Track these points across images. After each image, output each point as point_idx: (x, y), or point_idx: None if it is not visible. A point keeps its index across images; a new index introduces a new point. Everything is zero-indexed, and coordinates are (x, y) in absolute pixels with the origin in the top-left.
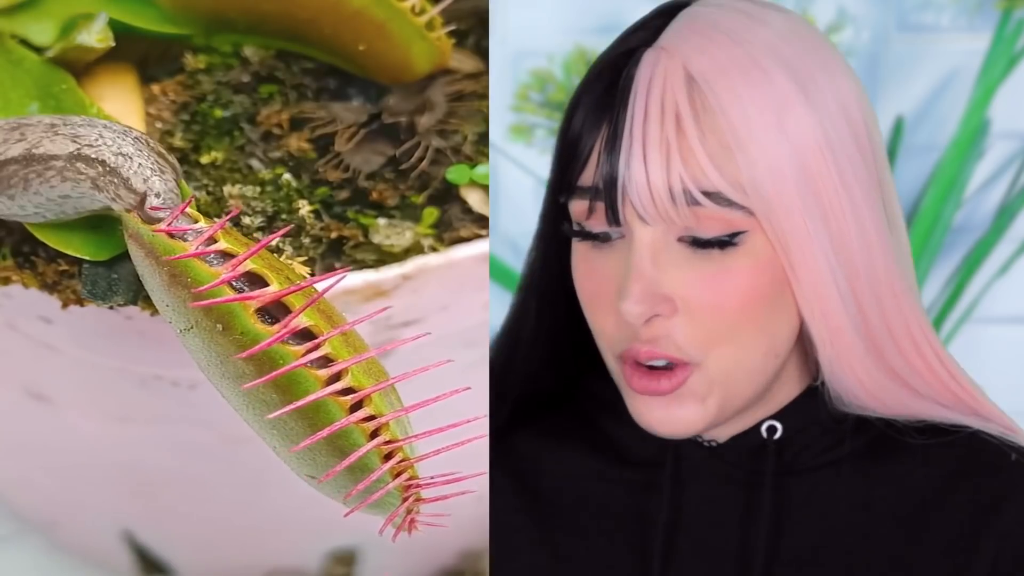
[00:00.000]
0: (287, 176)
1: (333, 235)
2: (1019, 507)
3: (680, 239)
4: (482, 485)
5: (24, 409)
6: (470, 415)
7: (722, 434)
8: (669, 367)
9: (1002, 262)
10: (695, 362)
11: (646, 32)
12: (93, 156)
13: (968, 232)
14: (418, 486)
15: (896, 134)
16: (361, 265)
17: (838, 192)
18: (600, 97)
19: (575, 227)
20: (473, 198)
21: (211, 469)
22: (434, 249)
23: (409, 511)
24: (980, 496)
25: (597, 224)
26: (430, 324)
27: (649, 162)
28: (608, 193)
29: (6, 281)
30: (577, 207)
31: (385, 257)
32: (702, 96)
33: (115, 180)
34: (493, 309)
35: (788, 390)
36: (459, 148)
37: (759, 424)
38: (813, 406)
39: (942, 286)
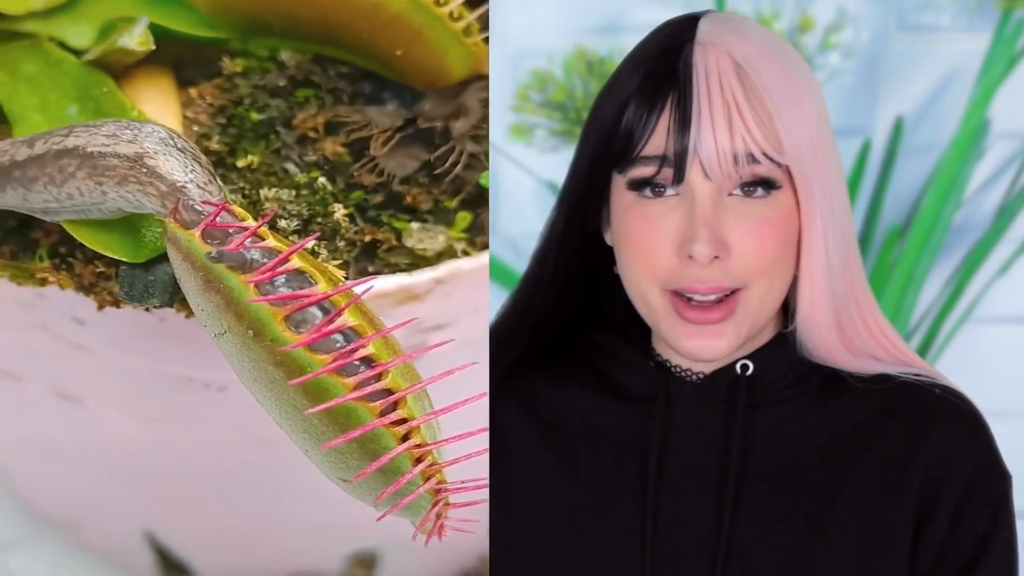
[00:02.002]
0: (322, 180)
1: (367, 239)
2: (941, 431)
3: (730, 194)
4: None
5: (52, 409)
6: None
7: (707, 368)
8: (719, 300)
9: (1002, 262)
10: (744, 287)
11: (681, 32)
12: (133, 156)
13: (968, 232)
14: (447, 490)
15: (896, 134)
16: (394, 269)
17: (836, 164)
18: (661, 82)
19: (639, 183)
20: None
21: (235, 471)
22: (466, 253)
23: (439, 515)
24: (911, 424)
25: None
26: (462, 327)
27: (717, 131)
28: (679, 158)
29: (43, 282)
30: (639, 172)
31: (418, 261)
32: (747, 78)
33: (154, 182)
34: (493, 309)
35: (763, 335)
36: None
37: (735, 362)
38: (781, 350)
39: (942, 286)
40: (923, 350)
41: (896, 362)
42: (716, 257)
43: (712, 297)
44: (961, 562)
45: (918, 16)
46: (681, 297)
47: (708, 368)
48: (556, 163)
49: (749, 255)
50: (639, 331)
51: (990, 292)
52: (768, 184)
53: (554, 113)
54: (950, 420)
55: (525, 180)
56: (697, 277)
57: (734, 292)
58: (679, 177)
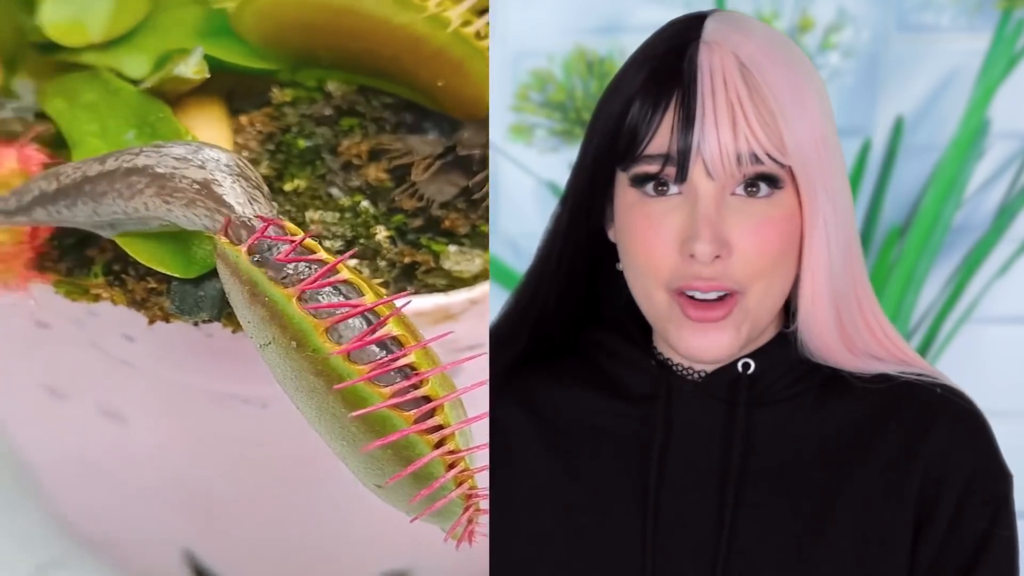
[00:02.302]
0: (365, 203)
1: (406, 260)
2: (941, 430)
3: (733, 193)
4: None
5: (96, 427)
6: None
7: (709, 367)
8: (720, 298)
9: (1002, 262)
10: (742, 291)
11: (688, 31)
12: (202, 181)
13: (968, 232)
14: (478, 495)
15: (896, 134)
16: (432, 289)
17: (839, 164)
18: (666, 80)
19: (643, 175)
20: None
21: (272, 489)
22: None
23: (470, 520)
24: (912, 424)
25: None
26: None
27: (721, 131)
28: (682, 157)
29: (96, 298)
30: (642, 170)
31: (455, 282)
32: (751, 77)
33: (209, 201)
34: (493, 309)
35: (763, 335)
36: None
37: (736, 361)
38: (782, 350)
39: (942, 286)
40: (923, 350)
41: (897, 362)
42: (718, 256)
43: (713, 295)
44: (961, 561)
45: (918, 16)
46: (685, 296)
47: (709, 367)
48: (556, 163)
49: (750, 255)
50: (640, 330)
51: (990, 292)
52: (771, 183)
53: (554, 113)
54: (950, 419)
55: (525, 180)
56: (698, 275)
57: (733, 292)
58: (682, 176)
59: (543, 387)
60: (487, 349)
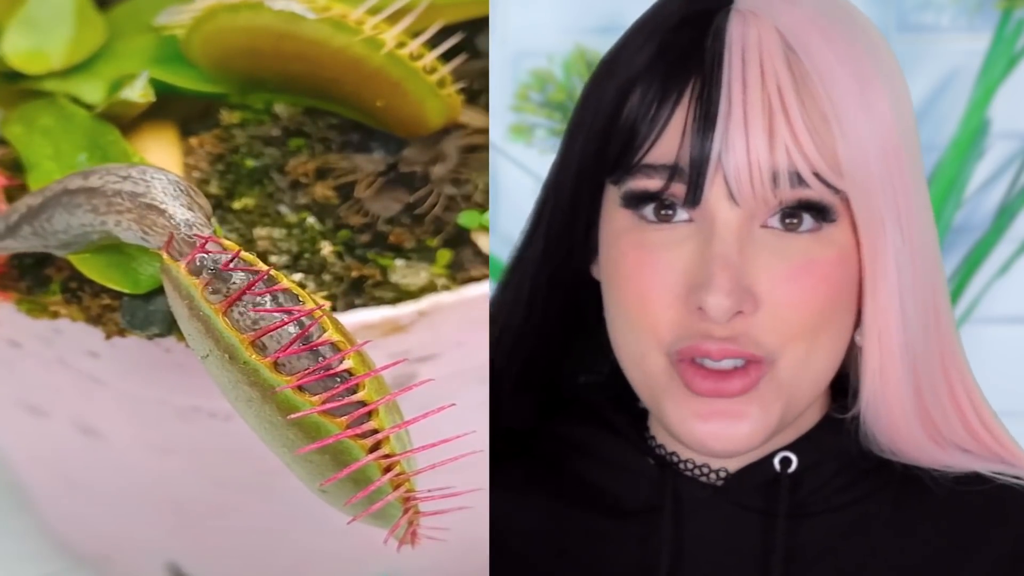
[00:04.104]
0: (311, 220)
1: (354, 274)
2: None
3: (764, 225)
4: (480, 501)
5: (75, 443)
6: (472, 442)
7: (731, 465)
8: (739, 367)
9: (1002, 262)
10: (770, 360)
11: None
12: (135, 193)
13: (968, 232)
14: (416, 499)
15: None
16: (380, 302)
17: (908, 187)
18: (673, 68)
19: (638, 199)
20: (483, 241)
21: (248, 501)
22: (447, 288)
23: (410, 523)
24: (1009, 547)
25: (669, 198)
26: (447, 359)
27: (751, 137)
28: (695, 171)
29: (55, 315)
30: (639, 184)
31: (402, 295)
32: (799, 63)
33: (150, 217)
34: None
35: (804, 419)
36: (469, 196)
37: (771, 455)
38: (833, 438)
39: None
40: None
41: (993, 457)
42: (739, 312)
43: (728, 364)
44: None
45: (918, 16)
46: (691, 363)
47: (732, 464)
48: None
49: (784, 311)
50: (629, 413)
51: (990, 292)
52: (819, 213)
53: (554, 113)
54: None
55: (525, 180)
56: (709, 334)
57: (759, 359)
58: (694, 197)
59: (502, 503)
60: (428, 376)
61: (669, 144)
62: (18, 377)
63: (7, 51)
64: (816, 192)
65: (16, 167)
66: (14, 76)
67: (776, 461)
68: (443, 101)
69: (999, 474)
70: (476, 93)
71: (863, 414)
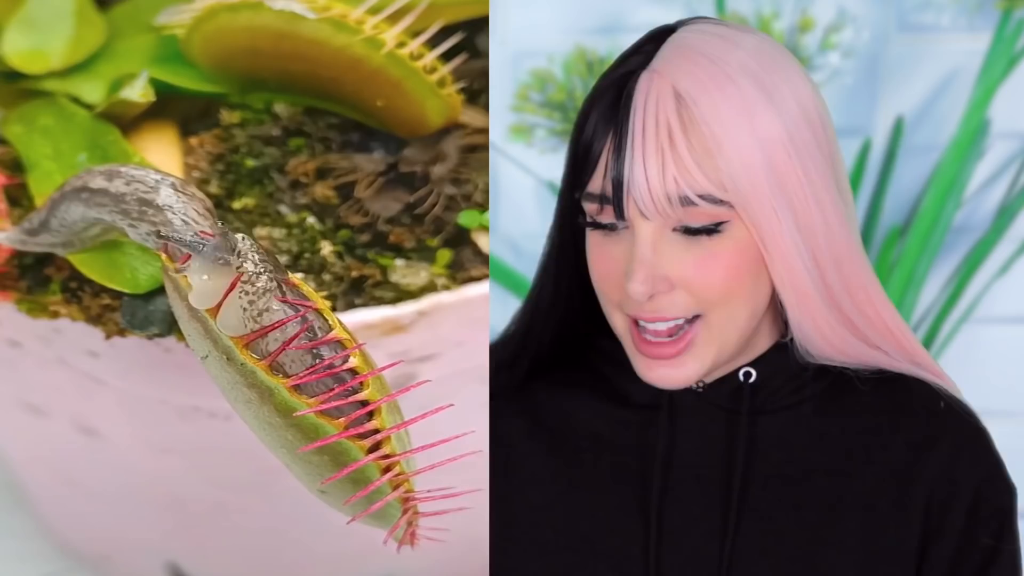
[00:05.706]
0: (311, 220)
1: (354, 274)
2: (945, 449)
3: (674, 229)
4: (480, 501)
5: (76, 443)
6: (472, 442)
7: (708, 378)
8: (675, 330)
9: (1002, 262)
10: (703, 313)
11: (641, 56)
12: (140, 196)
13: (968, 232)
14: (415, 499)
15: (896, 134)
16: (380, 302)
17: (800, 182)
18: (606, 111)
19: (588, 219)
20: (483, 241)
21: (248, 501)
22: (447, 288)
23: (410, 523)
24: (915, 434)
25: (606, 217)
26: (447, 359)
27: (648, 169)
28: (616, 194)
29: (55, 315)
30: (590, 205)
31: (402, 295)
32: (688, 111)
33: (153, 218)
34: (493, 309)
35: (762, 343)
36: (469, 195)
37: (737, 370)
38: (782, 357)
39: (942, 286)
40: None
41: (905, 357)
42: (657, 292)
43: (664, 327)
44: None
45: (918, 16)
46: (637, 327)
47: (709, 377)
48: (556, 163)
49: (695, 288)
50: None
51: (990, 292)
52: (710, 226)
53: (554, 113)
54: (955, 435)
55: (525, 180)
56: (640, 307)
57: (692, 321)
58: (620, 214)
59: (548, 397)
60: (427, 377)
61: (600, 174)
62: (18, 377)
63: (7, 51)
64: (703, 208)
65: (16, 167)
66: (14, 76)
67: (740, 374)
68: (443, 101)
69: (908, 373)
70: (476, 93)
71: (795, 335)
